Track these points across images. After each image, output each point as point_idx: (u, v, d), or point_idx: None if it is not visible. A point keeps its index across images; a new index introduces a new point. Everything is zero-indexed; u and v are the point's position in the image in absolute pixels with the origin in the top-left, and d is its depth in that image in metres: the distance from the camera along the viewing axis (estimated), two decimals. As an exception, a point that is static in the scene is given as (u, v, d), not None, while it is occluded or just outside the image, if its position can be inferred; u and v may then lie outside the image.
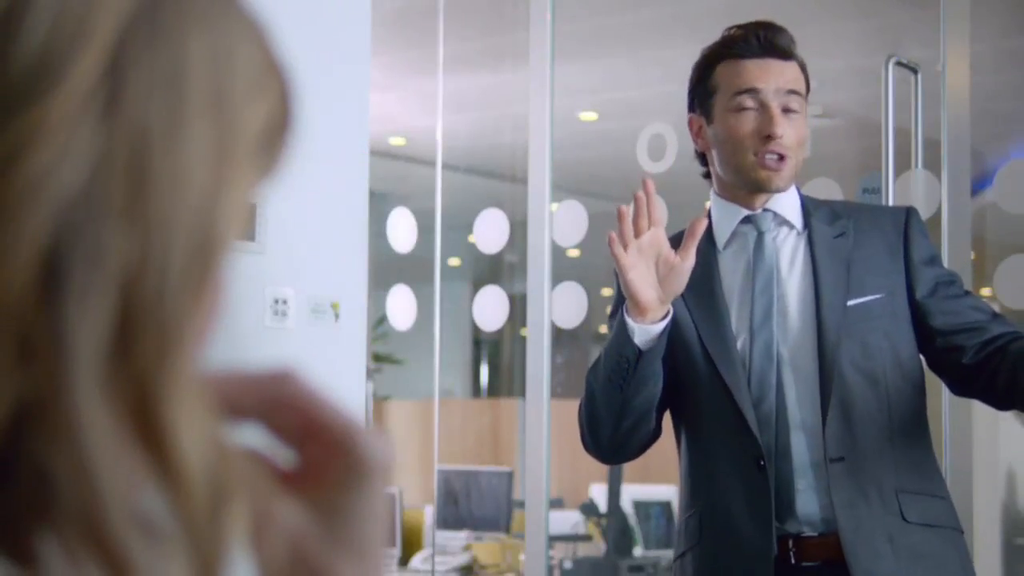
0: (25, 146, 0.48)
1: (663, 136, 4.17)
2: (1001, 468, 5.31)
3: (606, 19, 5.78)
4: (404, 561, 5.80)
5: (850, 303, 2.21)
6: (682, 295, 2.23)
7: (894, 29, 5.27)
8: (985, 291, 4.40)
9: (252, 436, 0.58)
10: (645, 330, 2.13)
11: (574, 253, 4.68)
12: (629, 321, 2.13)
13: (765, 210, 2.29)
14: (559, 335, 4.40)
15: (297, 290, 3.51)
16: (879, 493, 2.15)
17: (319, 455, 0.58)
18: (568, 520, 6.07)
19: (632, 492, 5.92)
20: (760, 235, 2.28)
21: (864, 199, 3.88)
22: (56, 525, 0.48)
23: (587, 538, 5.91)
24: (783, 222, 2.30)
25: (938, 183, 3.66)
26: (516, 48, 4.64)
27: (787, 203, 2.30)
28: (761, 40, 2.24)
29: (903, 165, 3.75)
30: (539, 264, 4.17)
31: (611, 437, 2.26)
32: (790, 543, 2.16)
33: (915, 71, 3.85)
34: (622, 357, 2.15)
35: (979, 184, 4.19)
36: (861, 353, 2.20)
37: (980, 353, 2.18)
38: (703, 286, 2.26)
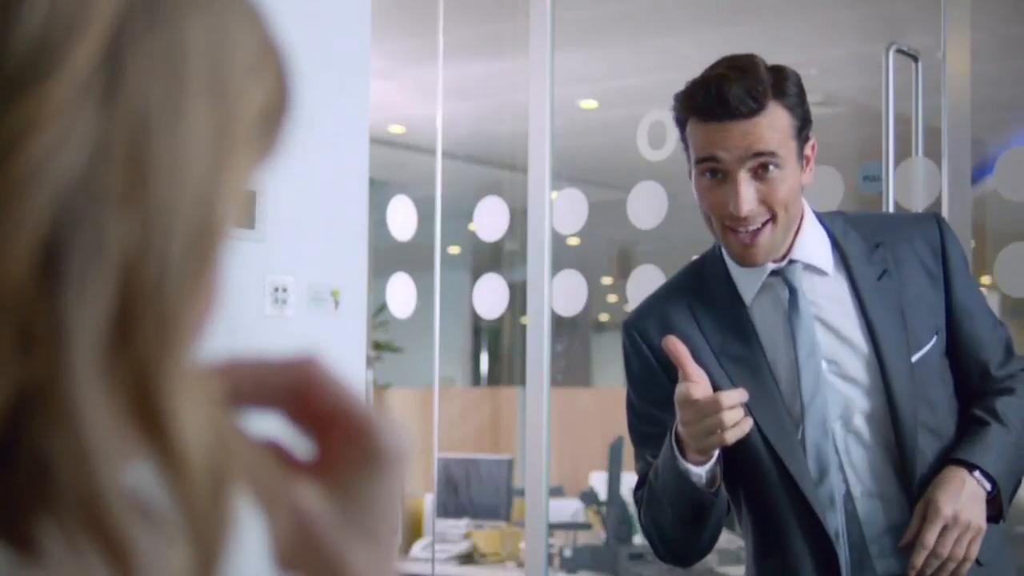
0: (24, 132, 0.48)
1: (663, 124, 4.16)
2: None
3: (606, 7, 5.77)
4: (404, 549, 5.81)
5: (914, 359, 2.04)
6: (724, 369, 2.07)
7: (895, 16, 5.26)
8: (985, 279, 4.41)
9: (270, 425, 0.59)
10: (707, 471, 1.97)
11: (574, 241, 4.68)
12: (691, 468, 1.96)
13: (792, 261, 2.07)
14: (559, 323, 4.40)
15: (297, 278, 3.51)
16: None
17: (336, 442, 0.58)
18: (568, 508, 6.07)
19: (632, 480, 5.92)
20: (793, 293, 2.07)
21: (865, 187, 3.88)
22: (56, 511, 0.48)
23: (587, 526, 5.92)
24: (811, 268, 2.08)
25: (938, 171, 3.66)
26: (516, 36, 4.64)
27: (813, 247, 2.09)
28: (715, 100, 1.96)
29: (903, 153, 3.75)
30: (539, 252, 4.17)
31: (697, 554, 2.15)
32: None
33: (916, 59, 3.84)
34: (697, 504, 2.00)
35: (979, 172, 4.19)
36: (929, 412, 2.06)
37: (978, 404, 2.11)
38: (745, 359, 2.08)
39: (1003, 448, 2.04)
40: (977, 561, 2.04)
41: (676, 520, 2.05)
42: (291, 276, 3.49)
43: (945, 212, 3.60)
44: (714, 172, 2.00)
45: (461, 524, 5.93)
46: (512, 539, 5.78)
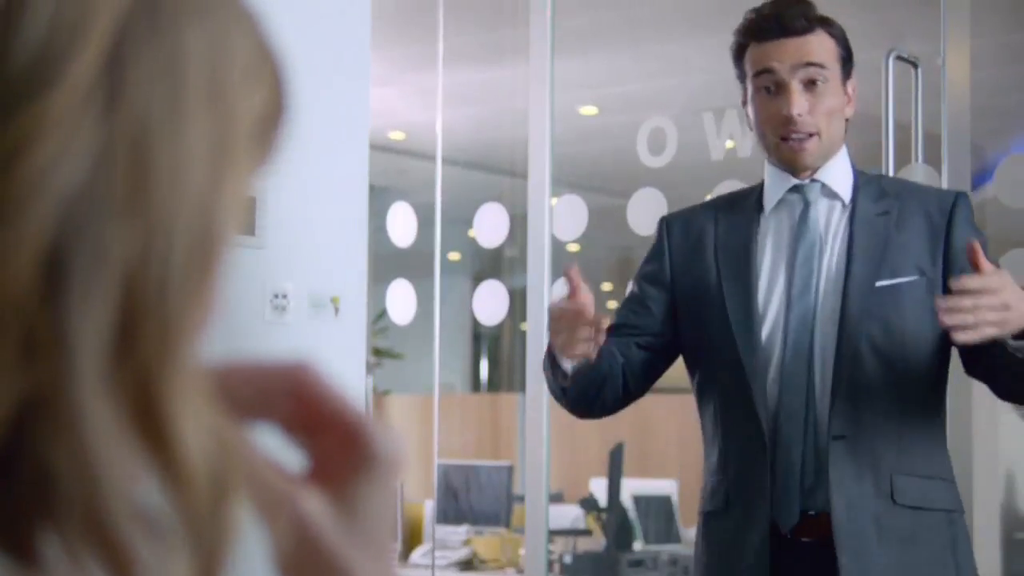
0: (26, 143, 0.48)
1: (663, 130, 4.16)
2: (1000, 468, 5.32)
3: (606, 13, 5.77)
4: (404, 555, 5.80)
5: (879, 283, 2.22)
6: (716, 263, 2.31)
7: (894, 23, 5.26)
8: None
9: (265, 437, 0.58)
10: (572, 367, 2.25)
11: (574, 247, 4.68)
12: (561, 361, 2.23)
13: (813, 180, 2.30)
14: (559, 329, 4.39)
15: (297, 284, 3.50)
16: (874, 474, 2.17)
17: (329, 449, 0.58)
18: (568, 514, 6.06)
19: (632, 486, 5.92)
20: (807, 205, 2.30)
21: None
22: (58, 521, 0.48)
23: (587, 532, 5.91)
24: (831, 194, 2.31)
25: (938, 177, 3.66)
26: (516, 42, 4.64)
27: (837, 174, 2.31)
28: (773, 21, 2.26)
29: (903, 159, 3.75)
30: (539, 258, 4.17)
31: (572, 406, 2.38)
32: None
33: (915, 65, 3.84)
34: (556, 380, 2.27)
35: (979, 178, 4.19)
36: (882, 333, 2.21)
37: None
38: (739, 256, 2.31)
39: None
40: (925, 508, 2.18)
41: (551, 383, 2.34)
42: (291, 282, 3.49)
43: (945, 218, 3.60)
44: (768, 88, 2.26)
45: (461, 530, 5.92)
46: (512, 545, 5.78)
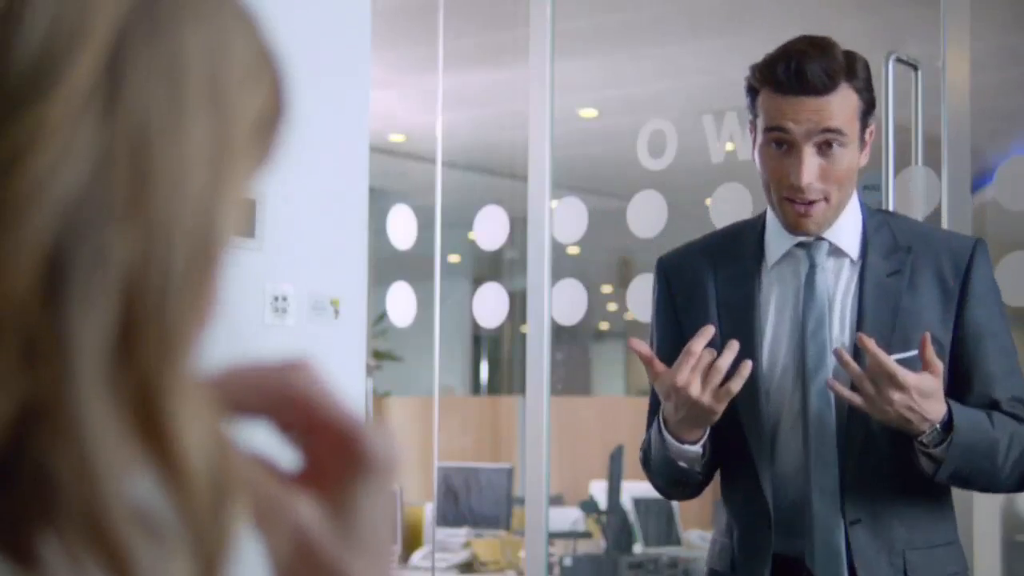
0: (26, 148, 0.48)
1: (663, 132, 4.16)
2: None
3: (606, 16, 5.78)
4: (404, 558, 5.80)
5: (893, 358, 2.05)
6: (719, 317, 2.18)
7: (894, 25, 5.26)
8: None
9: (257, 436, 0.58)
10: (701, 445, 2.13)
11: (574, 250, 4.68)
12: (686, 450, 2.12)
13: (820, 238, 2.16)
14: (559, 332, 4.39)
15: (297, 287, 3.50)
16: (889, 553, 2.11)
17: (324, 451, 0.58)
18: (568, 517, 6.07)
19: (632, 489, 5.92)
20: (812, 267, 2.16)
21: (865, 196, 3.88)
22: (58, 525, 0.48)
23: (587, 535, 5.91)
24: (837, 251, 2.17)
25: (938, 180, 3.66)
26: (516, 45, 4.64)
27: (845, 229, 2.17)
28: (793, 75, 2.06)
29: (903, 162, 3.75)
30: (539, 261, 4.17)
31: (695, 494, 2.30)
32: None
33: (915, 68, 3.84)
34: (677, 470, 2.17)
35: (979, 181, 4.19)
36: None
37: None
38: (741, 315, 2.18)
39: (976, 420, 2.06)
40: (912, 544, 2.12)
41: (672, 485, 2.25)
42: (291, 285, 3.49)
43: (945, 221, 3.60)
44: (780, 143, 2.10)
45: (461, 533, 5.92)
46: (512, 548, 5.78)
